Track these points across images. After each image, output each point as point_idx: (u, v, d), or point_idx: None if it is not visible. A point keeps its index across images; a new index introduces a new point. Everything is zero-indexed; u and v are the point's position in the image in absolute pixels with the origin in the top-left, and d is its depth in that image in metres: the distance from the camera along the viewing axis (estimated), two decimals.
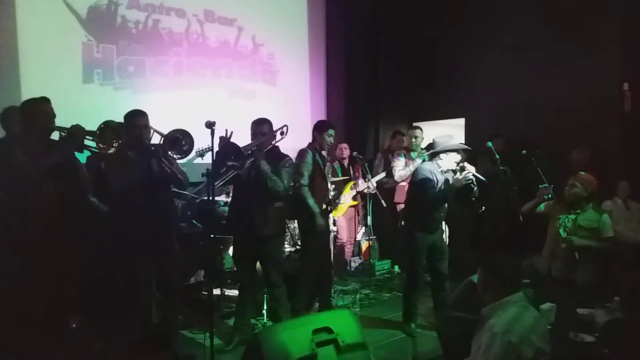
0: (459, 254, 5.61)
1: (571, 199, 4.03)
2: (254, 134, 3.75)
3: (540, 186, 4.38)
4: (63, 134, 3.18)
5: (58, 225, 3.12)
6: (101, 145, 3.20)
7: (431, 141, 5.05)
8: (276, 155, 3.80)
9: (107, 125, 3.21)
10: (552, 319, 3.06)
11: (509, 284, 2.34)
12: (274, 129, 3.84)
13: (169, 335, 3.58)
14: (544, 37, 6.08)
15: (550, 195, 4.43)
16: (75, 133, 3.11)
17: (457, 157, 4.05)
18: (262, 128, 3.76)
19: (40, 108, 3.15)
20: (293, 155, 4.08)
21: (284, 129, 3.87)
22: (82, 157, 3.47)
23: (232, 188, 4.39)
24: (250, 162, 3.64)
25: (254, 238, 3.70)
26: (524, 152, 5.28)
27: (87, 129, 3.20)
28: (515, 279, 2.38)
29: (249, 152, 3.60)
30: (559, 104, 5.90)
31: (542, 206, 4.31)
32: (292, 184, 4.02)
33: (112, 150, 3.24)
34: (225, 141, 3.52)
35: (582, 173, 4.11)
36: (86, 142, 3.23)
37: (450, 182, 4.01)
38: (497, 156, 5.07)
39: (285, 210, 3.93)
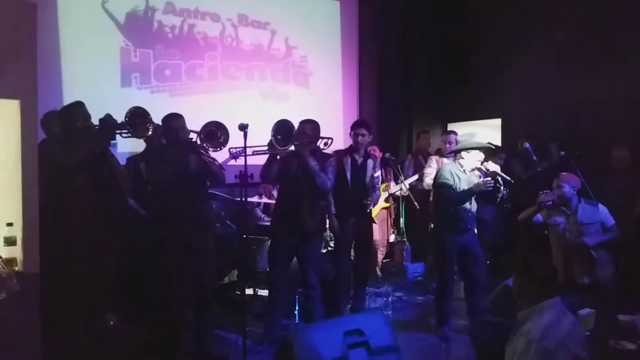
0: (491, 256, 5.53)
1: (562, 200, 4.01)
2: (297, 132, 3.74)
3: (541, 192, 4.13)
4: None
5: (96, 221, 3.22)
6: (135, 133, 3.30)
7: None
8: (320, 155, 3.84)
9: (134, 113, 3.31)
10: (591, 325, 2.97)
11: (545, 289, 2.29)
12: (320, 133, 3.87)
13: (200, 334, 3.64)
14: (583, 36, 5.92)
15: (551, 203, 4.17)
16: (107, 120, 3.25)
17: (481, 155, 3.98)
18: (305, 127, 3.78)
19: (75, 109, 3.36)
20: None
21: (329, 141, 3.91)
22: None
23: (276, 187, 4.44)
24: (290, 154, 3.68)
25: (298, 235, 3.73)
26: (563, 153, 5.15)
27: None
28: (552, 284, 2.32)
29: (294, 143, 3.62)
30: (598, 104, 5.73)
31: (539, 215, 4.17)
32: None
33: (150, 133, 3.34)
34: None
35: (564, 173, 4.14)
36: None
37: (475, 182, 3.96)
38: (535, 157, 4.95)
39: (325, 209, 3.97)
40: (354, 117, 6.83)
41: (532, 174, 5.25)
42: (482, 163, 3.98)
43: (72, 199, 3.15)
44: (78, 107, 3.37)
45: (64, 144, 3.22)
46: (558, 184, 4.06)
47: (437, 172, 4.15)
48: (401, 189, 5.64)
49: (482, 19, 7.11)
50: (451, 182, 3.95)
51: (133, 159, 4.29)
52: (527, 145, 5.01)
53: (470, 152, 3.98)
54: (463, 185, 3.96)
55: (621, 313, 3.07)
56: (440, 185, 4.02)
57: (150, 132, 3.35)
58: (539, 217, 4.17)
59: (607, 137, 5.45)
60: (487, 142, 4.30)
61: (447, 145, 5.43)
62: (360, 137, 4.38)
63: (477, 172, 4.02)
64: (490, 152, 4.16)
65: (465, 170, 4.01)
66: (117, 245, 3.42)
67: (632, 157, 5.21)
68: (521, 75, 6.61)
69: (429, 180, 5.30)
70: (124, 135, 3.31)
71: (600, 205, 4.04)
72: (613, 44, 5.63)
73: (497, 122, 7.03)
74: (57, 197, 3.08)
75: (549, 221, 4.13)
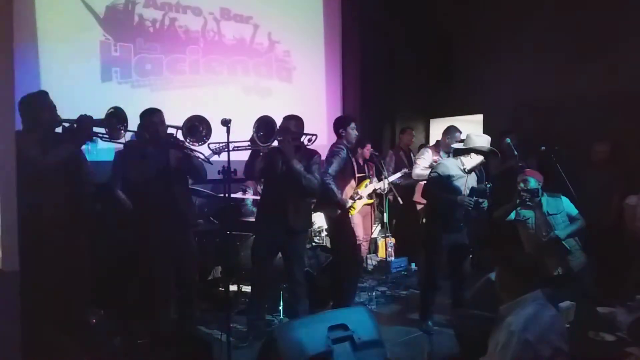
0: (478, 251, 5.58)
1: (528, 195, 4.12)
2: (280, 128, 3.70)
3: (522, 192, 4.19)
4: (66, 125, 3.19)
5: (71, 219, 3.14)
6: (110, 133, 3.20)
7: (449, 139, 5.01)
8: (305, 153, 3.81)
9: (112, 113, 3.21)
10: (572, 318, 3.02)
11: (526, 282, 2.32)
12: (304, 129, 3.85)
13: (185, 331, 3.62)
14: (565, 31, 5.99)
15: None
16: (84, 122, 3.11)
17: (482, 159, 3.97)
18: (289, 123, 3.76)
19: (39, 100, 3.14)
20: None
21: (313, 138, 3.88)
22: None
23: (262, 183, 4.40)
24: (274, 150, 3.65)
25: (283, 232, 3.71)
26: (543, 148, 5.22)
27: None
28: (533, 277, 2.35)
29: (278, 139, 3.57)
30: (579, 99, 5.80)
31: (513, 214, 4.23)
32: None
33: (122, 139, 3.26)
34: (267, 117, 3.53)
35: (528, 169, 4.29)
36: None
37: (471, 185, 3.98)
38: (516, 152, 5.00)
39: (311, 206, 3.96)
40: (337, 112, 6.83)
41: (507, 169, 5.31)
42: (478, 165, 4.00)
43: (47, 197, 3.03)
44: (42, 98, 3.14)
45: (34, 144, 3.01)
46: (524, 178, 4.17)
47: (433, 167, 4.14)
48: (380, 188, 5.65)
49: (464, 15, 7.15)
50: (445, 176, 3.91)
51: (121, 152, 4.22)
52: (508, 140, 5.06)
53: (479, 154, 3.92)
54: (460, 185, 3.92)
55: (600, 305, 3.13)
56: (431, 178, 4.02)
57: (123, 136, 3.25)
58: (512, 215, 4.24)
59: (586, 132, 5.54)
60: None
61: (447, 140, 5.21)
62: (356, 132, 4.48)
63: (474, 175, 4.03)
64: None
65: (465, 169, 3.97)
66: (92, 243, 3.34)
67: (611, 152, 5.31)
68: (502, 71, 6.68)
69: (419, 170, 5.36)
70: (104, 139, 3.22)
71: (563, 197, 4.17)
72: (593, 40, 5.70)
73: (479, 117, 7.10)
74: (33, 195, 2.97)
75: (517, 217, 4.20)
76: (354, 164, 4.63)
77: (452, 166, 3.97)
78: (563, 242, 4.00)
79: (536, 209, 4.13)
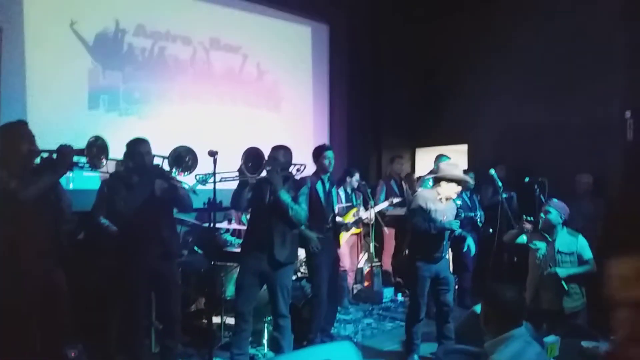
0: (465, 282, 5.58)
1: (546, 225, 4.06)
2: (269, 158, 3.69)
3: (524, 217, 4.21)
4: (44, 155, 3.03)
5: (50, 251, 3.07)
6: (91, 162, 3.07)
7: (435, 167, 5.06)
8: (293, 183, 3.80)
9: (93, 143, 3.08)
10: (556, 353, 3.02)
11: (511, 318, 2.31)
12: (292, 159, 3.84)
13: None
14: (547, 63, 6.14)
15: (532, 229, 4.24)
16: (64, 152, 2.94)
17: (457, 188, 3.99)
18: (277, 154, 3.75)
19: (19, 130, 2.98)
20: None
21: (301, 168, 3.88)
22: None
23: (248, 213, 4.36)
24: (262, 180, 3.63)
25: (269, 264, 3.66)
26: (527, 179, 5.28)
27: None
28: (518, 313, 2.34)
29: (266, 169, 3.56)
30: (562, 130, 5.92)
31: (524, 237, 4.21)
32: None
33: (102, 168, 3.18)
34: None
35: (555, 200, 4.14)
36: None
37: (450, 213, 4.00)
38: (500, 184, 5.05)
39: (297, 237, 3.95)
40: (324, 141, 6.87)
41: (495, 200, 5.36)
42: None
43: (25, 230, 2.89)
44: (22, 128, 2.98)
45: (12, 175, 2.85)
46: (545, 209, 4.08)
47: (412, 199, 4.16)
48: (367, 217, 5.66)
49: (449, 47, 7.30)
50: (424, 208, 3.93)
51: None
52: (492, 171, 5.11)
53: (450, 182, 3.94)
54: (438, 216, 3.93)
55: (585, 339, 3.12)
56: (411, 210, 4.03)
57: (103, 166, 3.18)
58: (523, 238, 4.21)
59: (570, 163, 5.63)
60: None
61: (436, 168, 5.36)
62: (330, 160, 4.47)
63: (452, 203, 4.05)
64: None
65: (442, 199, 3.98)
66: (72, 275, 3.25)
67: (594, 183, 5.39)
68: (487, 102, 6.80)
69: None
70: (86, 167, 3.14)
71: (580, 237, 4.05)
72: (579, 70, 5.83)
73: (464, 147, 7.19)
74: (10, 228, 2.86)
75: (530, 245, 4.16)
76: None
77: (429, 196, 4.00)
78: (562, 282, 3.91)
79: (549, 242, 4.05)
